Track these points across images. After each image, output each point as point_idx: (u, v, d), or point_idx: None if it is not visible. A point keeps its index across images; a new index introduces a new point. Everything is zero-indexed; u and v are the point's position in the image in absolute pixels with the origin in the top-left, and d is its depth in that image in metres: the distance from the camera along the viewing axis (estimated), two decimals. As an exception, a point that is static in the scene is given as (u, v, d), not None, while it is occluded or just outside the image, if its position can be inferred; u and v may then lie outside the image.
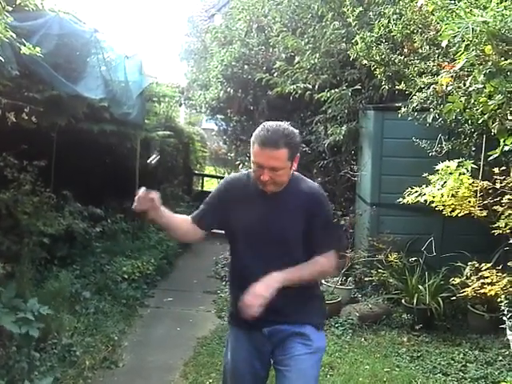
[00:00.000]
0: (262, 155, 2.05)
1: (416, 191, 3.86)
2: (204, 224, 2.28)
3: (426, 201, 3.78)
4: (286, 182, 2.14)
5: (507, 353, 4.04)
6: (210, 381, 3.72)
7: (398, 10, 4.74)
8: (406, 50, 4.74)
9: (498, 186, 3.76)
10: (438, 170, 3.69)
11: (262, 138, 2.05)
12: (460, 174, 3.62)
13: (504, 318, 3.83)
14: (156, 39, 24.83)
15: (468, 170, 3.61)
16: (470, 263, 4.14)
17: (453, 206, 3.87)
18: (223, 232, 2.32)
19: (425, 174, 3.89)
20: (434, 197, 3.72)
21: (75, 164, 5.78)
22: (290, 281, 2.06)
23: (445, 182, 3.61)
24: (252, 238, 2.17)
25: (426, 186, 3.79)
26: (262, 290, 1.98)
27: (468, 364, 4.01)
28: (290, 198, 2.17)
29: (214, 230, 2.34)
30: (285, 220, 2.16)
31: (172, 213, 2.26)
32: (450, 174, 3.60)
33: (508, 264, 3.90)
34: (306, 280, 2.15)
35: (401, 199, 4.03)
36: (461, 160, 3.71)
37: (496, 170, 3.75)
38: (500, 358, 4.04)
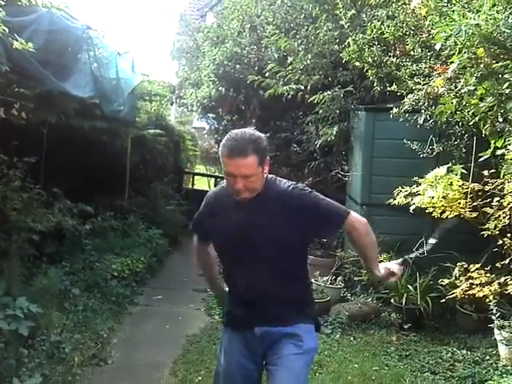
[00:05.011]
0: (231, 165, 2.02)
1: (406, 191, 3.88)
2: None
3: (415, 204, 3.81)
4: (259, 188, 2.11)
5: (494, 352, 4.08)
6: (200, 378, 3.71)
7: (390, 13, 4.77)
8: (398, 52, 4.77)
9: (487, 188, 3.80)
10: (427, 179, 3.71)
11: (230, 148, 2.02)
12: (449, 179, 3.65)
13: (493, 317, 3.88)
14: (148, 37, 24.76)
15: (457, 175, 3.65)
16: (458, 264, 4.18)
17: (443, 208, 3.90)
18: None
19: (415, 176, 3.91)
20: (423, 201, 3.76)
21: (65, 161, 5.74)
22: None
23: (434, 188, 3.64)
24: (237, 246, 2.16)
25: (416, 186, 3.81)
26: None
27: (456, 363, 4.04)
28: (268, 202, 2.12)
29: None
30: (266, 224, 2.12)
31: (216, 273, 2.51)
32: (440, 178, 3.63)
33: (496, 265, 3.95)
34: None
35: (391, 200, 4.06)
36: (450, 165, 3.74)
37: (486, 172, 3.78)
38: (487, 357, 4.08)
